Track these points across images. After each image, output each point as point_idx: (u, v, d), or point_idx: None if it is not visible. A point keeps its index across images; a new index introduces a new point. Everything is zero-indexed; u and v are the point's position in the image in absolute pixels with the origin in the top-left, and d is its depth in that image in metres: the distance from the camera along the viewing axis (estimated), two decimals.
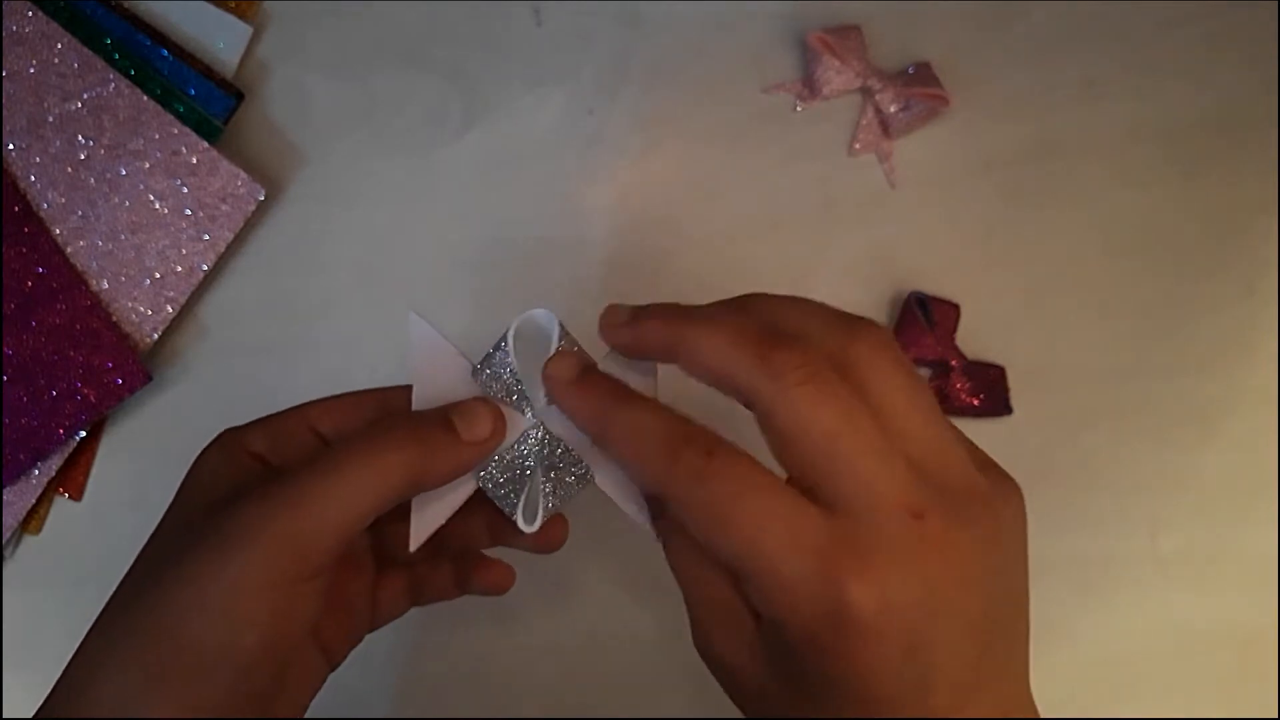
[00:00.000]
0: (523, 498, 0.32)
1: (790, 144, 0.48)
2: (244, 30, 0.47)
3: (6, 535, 0.46)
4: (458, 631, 0.47)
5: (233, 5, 0.47)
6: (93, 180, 0.46)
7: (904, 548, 0.26)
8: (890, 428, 0.27)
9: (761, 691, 0.29)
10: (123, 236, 0.46)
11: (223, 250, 0.46)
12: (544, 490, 0.32)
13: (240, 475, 0.31)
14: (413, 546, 0.31)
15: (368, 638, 0.47)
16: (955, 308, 0.47)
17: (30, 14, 0.45)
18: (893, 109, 0.47)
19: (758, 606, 0.28)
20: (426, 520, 0.32)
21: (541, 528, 0.32)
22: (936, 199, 0.48)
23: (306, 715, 0.46)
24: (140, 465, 0.47)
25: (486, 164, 0.48)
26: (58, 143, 0.46)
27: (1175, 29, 0.48)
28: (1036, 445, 0.47)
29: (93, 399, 0.45)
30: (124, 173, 0.46)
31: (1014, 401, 0.47)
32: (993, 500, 0.29)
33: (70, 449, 0.46)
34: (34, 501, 0.46)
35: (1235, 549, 0.47)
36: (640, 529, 0.32)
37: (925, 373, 0.47)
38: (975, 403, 0.47)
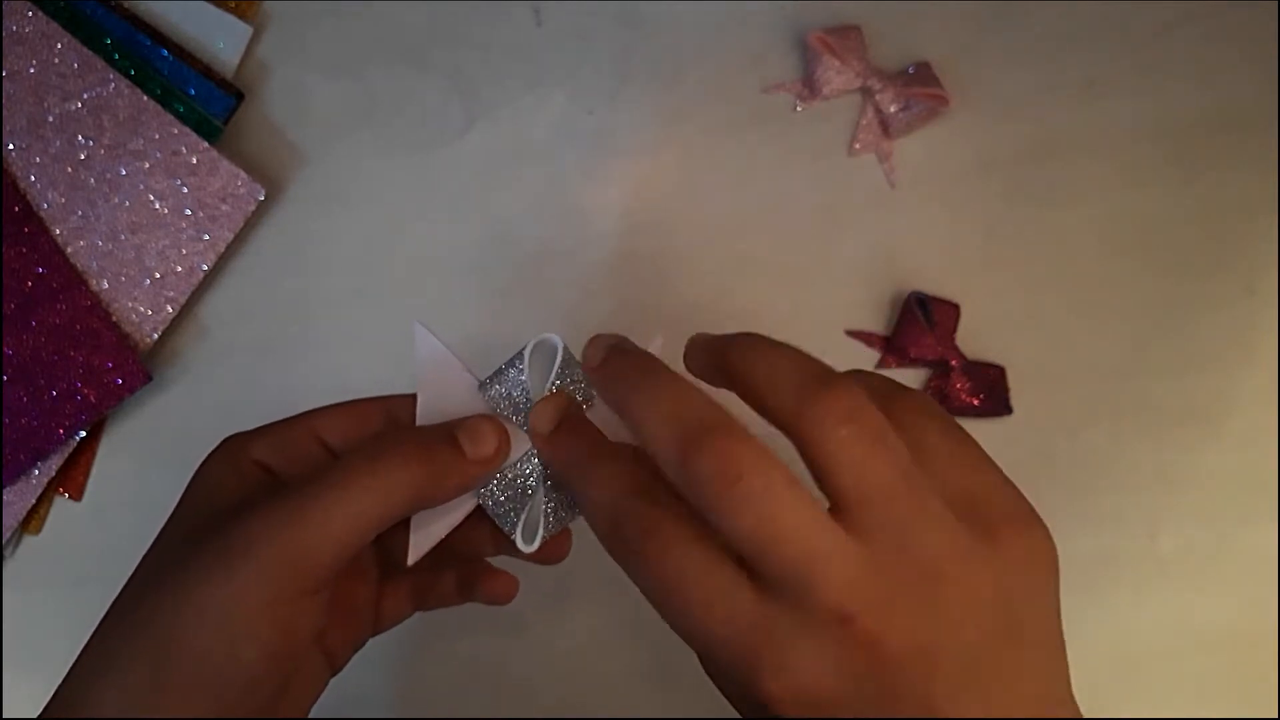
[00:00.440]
0: (523, 517, 0.32)
1: (790, 144, 0.48)
2: (244, 30, 0.47)
3: (6, 535, 0.46)
4: (457, 631, 0.47)
5: (233, 5, 0.47)
6: (93, 180, 0.46)
7: (830, 641, 0.24)
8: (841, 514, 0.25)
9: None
10: (123, 236, 0.46)
11: (223, 250, 0.46)
12: (545, 510, 0.32)
13: (245, 485, 0.31)
14: (411, 561, 0.32)
15: (369, 641, 0.47)
16: (955, 308, 0.47)
17: (30, 14, 0.45)
18: (893, 109, 0.47)
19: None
20: (426, 536, 0.32)
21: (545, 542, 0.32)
22: (936, 199, 0.48)
23: (308, 717, 0.46)
24: (140, 465, 0.47)
25: (486, 164, 0.48)
26: (58, 143, 0.46)
27: (1175, 29, 0.48)
28: (1036, 445, 0.47)
29: (93, 399, 0.45)
30: (124, 173, 0.46)
31: (1014, 401, 0.47)
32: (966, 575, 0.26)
33: (70, 449, 0.46)
34: (34, 501, 0.46)
35: (1235, 549, 0.47)
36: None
37: (925, 373, 0.47)
38: (975, 403, 0.46)
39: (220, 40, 0.47)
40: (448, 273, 0.48)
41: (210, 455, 0.32)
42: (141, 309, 0.46)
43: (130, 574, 0.31)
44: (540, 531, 0.32)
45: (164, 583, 0.28)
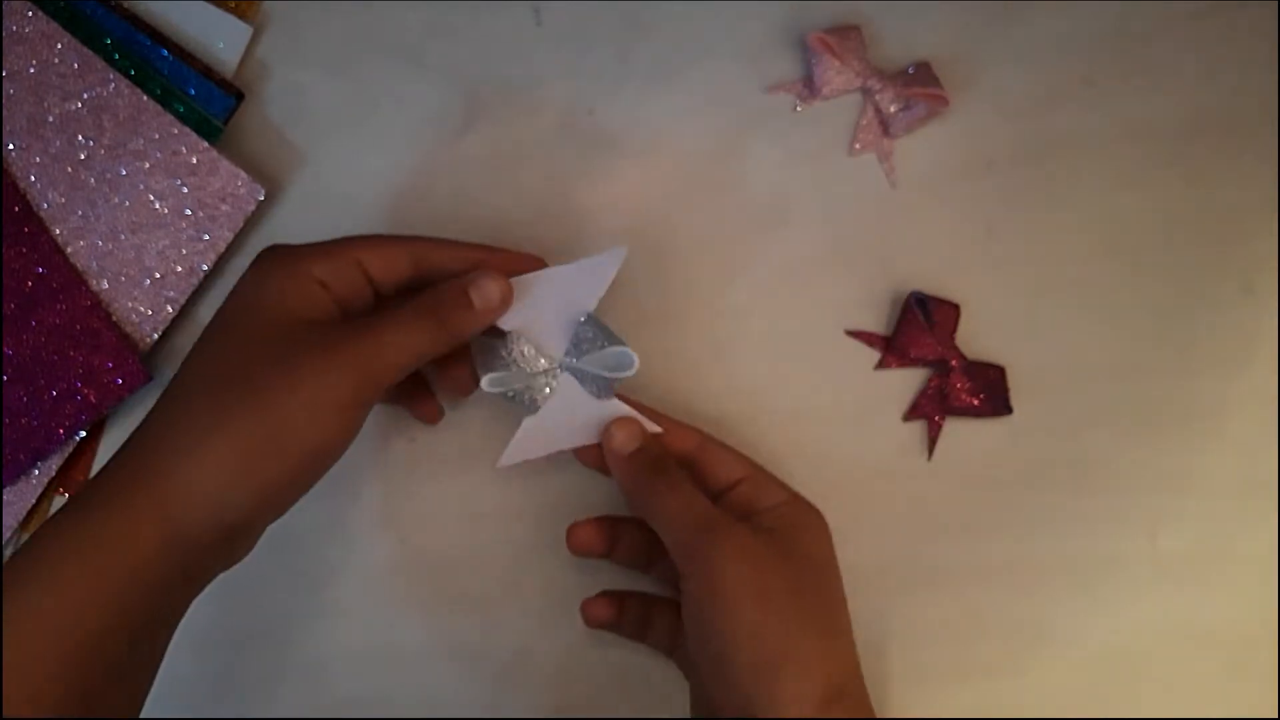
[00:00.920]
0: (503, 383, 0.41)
1: (790, 144, 0.48)
2: (244, 30, 0.47)
3: (6, 535, 0.46)
4: (457, 631, 0.47)
5: (233, 5, 0.47)
6: (93, 180, 0.46)
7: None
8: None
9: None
10: (123, 236, 0.46)
11: (223, 250, 0.46)
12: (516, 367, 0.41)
13: (314, 301, 0.38)
14: (501, 464, 0.42)
15: (367, 641, 0.47)
16: (955, 308, 0.46)
17: (30, 14, 0.45)
18: (893, 109, 0.47)
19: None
20: (523, 450, 0.42)
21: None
22: (936, 199, 0.48)
23: (306, 716, 0.46)
24: None
25: (486, 164, 0.48)
26: (58, 143, 0.46)
27: (1175, 29, 0.48)
28: (1036, 445, 0.47)
29: (93, 399, 0.45)
30: (124, 173, 0.46)
31: (1014, 401, 0.47)
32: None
33: (70, 449, 0.46)
34: (34, 501, 0.46)
35: (1235, 549, 0.47)
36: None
37: (925, 372, 0.47)
38: (975, 403, 0.46)
39: (220, 40, 0.47)
40: None
41: (267, 266, 0.39)
42: (141, 309, 0.46)
43: (188, 365, 0.37)
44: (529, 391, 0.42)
45: (265, 380, 0.36)
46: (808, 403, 0.47)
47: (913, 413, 0.47)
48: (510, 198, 0.48)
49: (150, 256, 0.46)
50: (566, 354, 0.41)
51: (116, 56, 0.46)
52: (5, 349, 0.45)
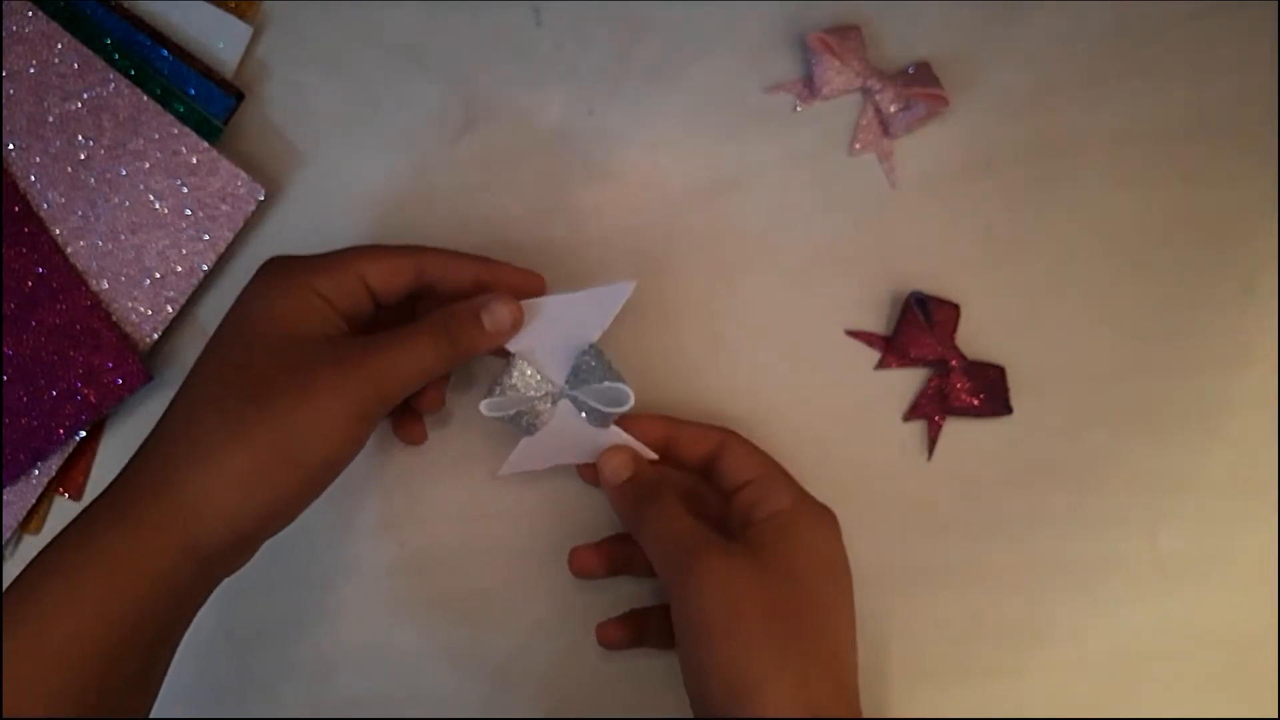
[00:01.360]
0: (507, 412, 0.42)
1: (790, 144, 0.48)
2: (244, 30, 0.47)
3: (6, 535, 0.46)
4: (457, 631, 0.47)
5: (233, 5, 0.47)
6: (93, 180, 0.46)
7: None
8: None
9: None
10: (123, 236, 0.46)
11: (223, 250, 0.46)
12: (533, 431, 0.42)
13: (321, 316, 0.39)
14: (503, 473, 0.43)
15: (367, 642, 0.47)
16: (955, 308, 0.46)
17: (30, 14, 0.45)
18: (893, 109, 0.47)
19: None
20: (522, 463, 0.43)
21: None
22: (936, 199, 0.48)
23: (307, 717, 0.46)
24: None
25: (486, 164, 0.48)
26: (58, 143, 0.46)
27: (1175, 29, 0.48)
28: (1036, 445, 0.47)
29: (93, 399, 0.45)
30: (124, 173, 0.46)
31: (1014, 401, 0.47)
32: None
33: (70, 449, 0.46)
34: (34, 501, 0.46)
35: (1235, 549, 0.47)
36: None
37: (925, 372, 0.47)
38: (975, 403, 0.46)
39: (220, 40, 0.47)
40: None
41: (270, 279, 0.39)
42: (141, 309, 0.46)
43: (197, 375, 0.38)
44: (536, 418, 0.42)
45: (274, 398, 0.36)
46: (808, 403, 0.47)
47: (913, 413, 0.47)
48: (510, 198, 0.48)
49: (150, 256, 0.46)
50: (567, 381, 0.42)
51: (116, 56, 0.46)
52: (5, 349, 0.45)
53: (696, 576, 0.38)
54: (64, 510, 0.47)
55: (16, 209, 0.45)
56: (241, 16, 0.47)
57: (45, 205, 0.46)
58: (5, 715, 0.33)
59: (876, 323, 0.48)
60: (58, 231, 0.46)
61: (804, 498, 0.42)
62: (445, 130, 0.48)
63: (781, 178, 0.48)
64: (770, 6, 0.48)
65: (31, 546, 0.47)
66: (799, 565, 0.39)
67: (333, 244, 0.46)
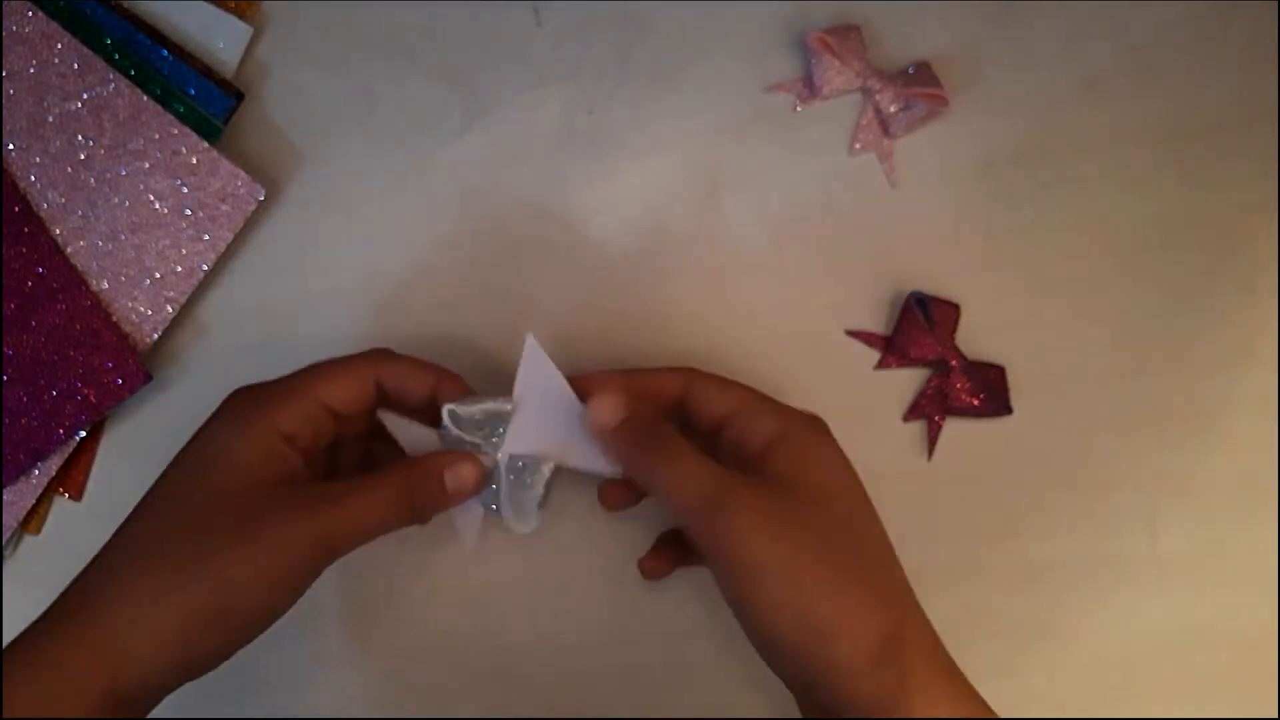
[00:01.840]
0: (504, 501, 0.42)
1: (790, 144, 0.48)
2: (244, 30, 0.47)
3: (6, 535, 0.46)
4: (457, 631, 0.47)
5: (233, 5, 0.47)
6: (93, 180, 0.46)
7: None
8: None
9: None
10: (123, 236, 0.46)
11: (223, 250, 0.46)
12: (528, 489, 0.42)
13: (279, 460, 0.38)
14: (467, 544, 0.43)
15: (367, 641, 0.47)
16: (955, 308, 0.46)
17: (30, 14, 0.45)
18: (893, 109, 0.47)
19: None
20: (467, 525, 0.43)
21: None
22: (937, 199, 0.48)
23: (306, 716, 0.46)
24: (140, 465, 0.45)
25: (486, 164, 0.48)
26: (58, 143, 0.46)
27: (1175, 29, 0.48)
28: (1036, 445, 0.47)
29: (93, 399, 0.45)
30: (124, 173, 0.46)
31: (1014, 402, 0.47)
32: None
33: (70, 449, 0.46)
34: (34, 501, 0.46)
35: (1235, 549, 0.47)
36: (611, 474, 0.42)
37: (925, 373, 0.47)
38: (975, 403, 0.46)
39: (220, 40, 0.47)
40: (447, 272, 0.48)
41: (232, 420, 0.39)
42: (141, 309, 0.46)
43: (142, 513, 0.37)
44: (535, 511, 0.42)
45: (218, 553, 0.36)
46: (807, 402, 0.46)
47: (913, 413, 0.47)
48: (510, 198, 0.48)
49: (150, 256, 0.46)
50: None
51: (116, 56, 0.46)
52: (5, 349, 0.45)
53: (734, 520, 0.36)
54: (64, 510, 0.47)
55: (16, 209, 0.45)
56: (241, 16, 0.47)
57: (45, 205, 0.46)
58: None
59: (876, 323, 0.48)
60: (58, 231, 0.46)
61: (790, 417, 0.40)
62: (445, 130, 0.48)
63: (781, 178, 0.48)
64: (770, 7, 0.48)
65: (31, 547, 0.47)
66: (824, 488, 0.38)
67: (333, 244, 0.48)
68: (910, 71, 0.47)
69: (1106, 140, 0.48)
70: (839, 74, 0.47)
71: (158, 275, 0.46)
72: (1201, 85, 0.48)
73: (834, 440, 0.40)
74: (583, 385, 0.41)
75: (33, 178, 0.46)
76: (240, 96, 0.47)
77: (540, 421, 0.41)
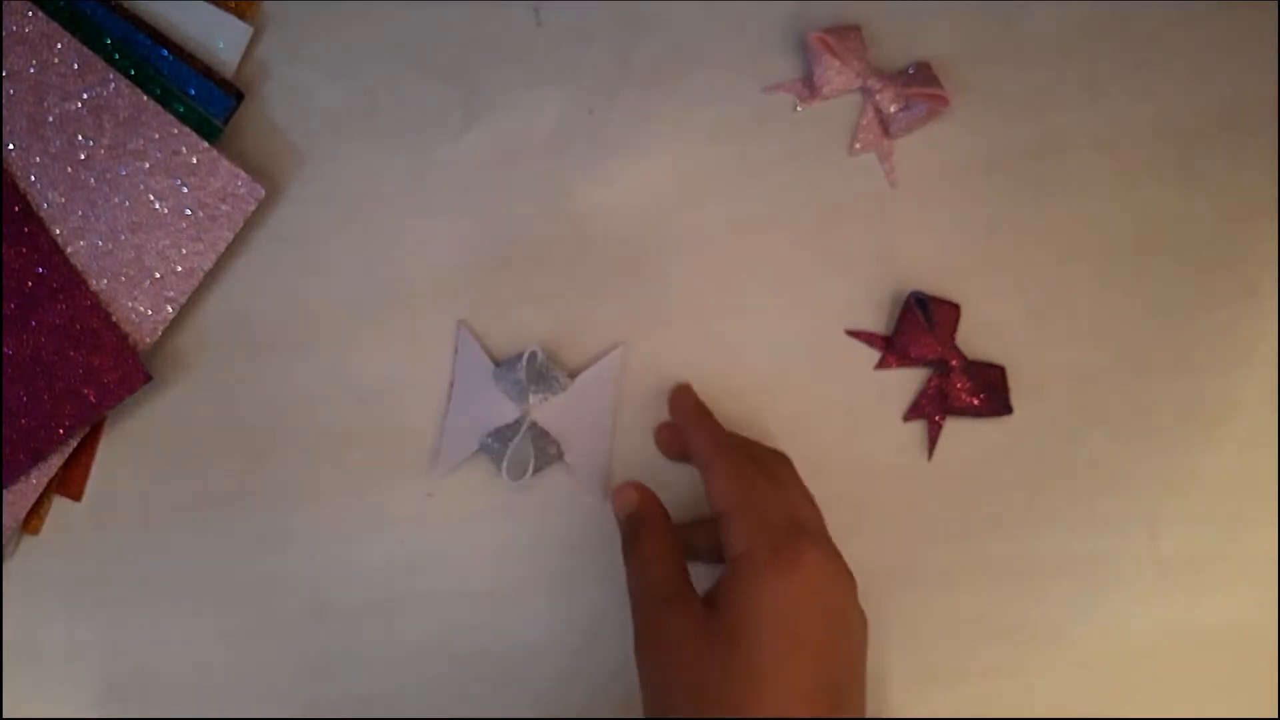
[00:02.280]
0: (505, 459, 0.46)
1: (790, 144, 0.48)
2: (244, 30, 0.47)
3: (6, 535, 0.46)
4: (457, 631, 0.47)
5: (233, 5, 0.47)
6: (93, 180, 0.46)
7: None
8: None
9: None
10: (123, 236, 0.46)
11: (223, 250, 0.46)
12: (531, 455, 0.46)
13: None
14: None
15: (367, 641, 0.47)
16: (955, 307, 0.46)
17: (30, 14, 0.45)
18: (893, 109, 0.47)
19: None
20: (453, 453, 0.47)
21: None
22: (937, 199, 0.48)
23: (306, 716, 0.46)
24: (140, 465, 0.47)
25: (486, 164, 0.48)
26: (58, 143, 0.46)
27: (1177, 28, 0.48)
28: (1036, 445, 0.47)
29: (93, 399, 0.45)
30: (124, 173, 0.46)
31: (1014, 401, 0.47)
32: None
33: (70, 449, 0.46)
34: (34, 501, 0.46)
35: (1236, 550, 0.47)
36: (599, 499, 0.47)
37: (925, 373, 0.47)
38: (975, 403, 0.46)
39: (220, 40, 0.47)
40: (447, 272, 0.48)
41: None
42: (141, 309, 0.46)
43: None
44: (528, 472, 0.45)
45: None
46: (807, 403, 0.47)
47: (913, 413, 0.47)
48: (510, 198, 0.48)
49: (150, 256, 0.46)
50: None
51: (116, 56, 0.46)
52: (5, 349, 0.45)
53: (645, 635, 0.38)
54: (64, 510, 0.47)
55: (16, 209, 0.45)
56: (241, 16, 0.47)
57: (45, 205, 0.46)
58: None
59: (876, 323, 0.47)
60: (58, 231, 0.46)
61: (758, 542, 0.38)
62: (445, 130, 0.48)
63: (781, 178, 0.48)
64: (770, 6, 0.48)
65: (31, 546, 0.47)
66: (742, 625, 0.36)
67: (333, 243, 0.48)
68: (910, 71, 0.47)
69: (1107, 140, 0.48)
70: (839, 74, 0.47)
71: (158, 275, 0.46)
72: (1202, 85, 0.48)
73: (802, 576, 0.37)
74: (672, 406, 0.46)
75: (33, 178, 0.46)
76: (240, 96, 0.47)
77: (578, 417, 0.46)
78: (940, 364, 0.46)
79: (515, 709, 0.46)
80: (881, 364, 0.47)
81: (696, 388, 0.47)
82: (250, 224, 0.46)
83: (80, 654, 0.46)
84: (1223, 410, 0.47)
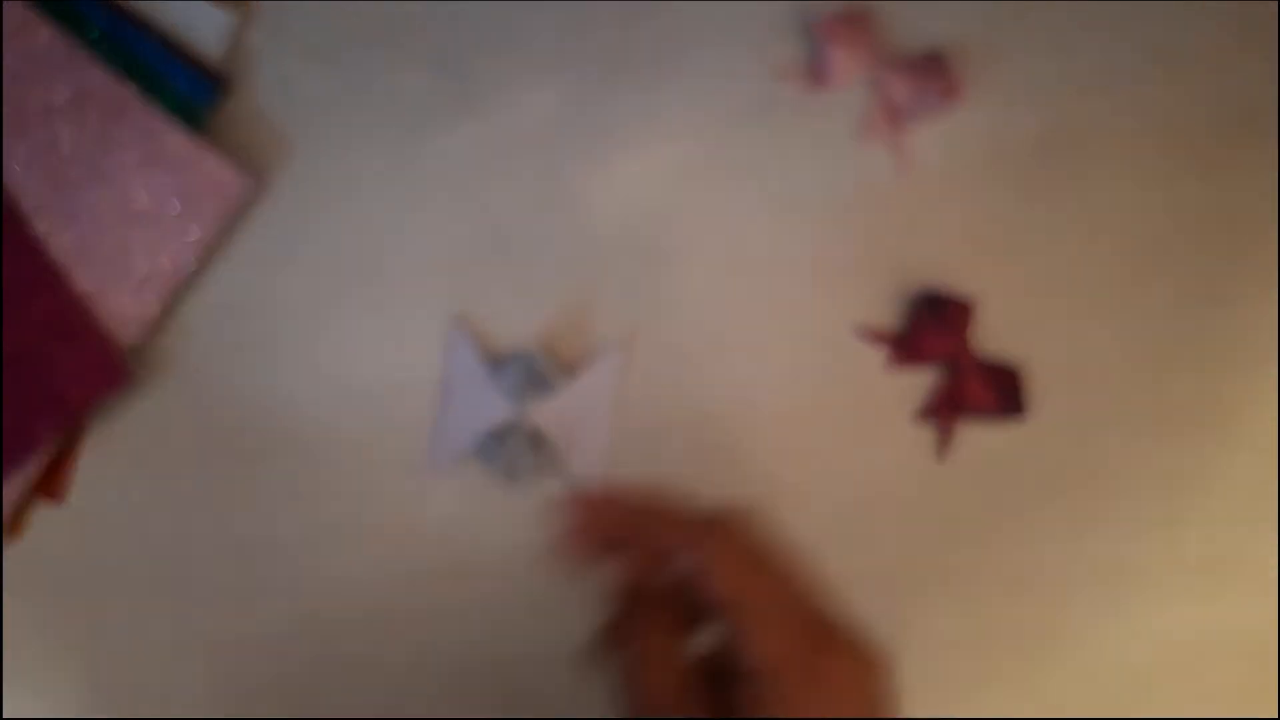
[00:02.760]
0: (500, 462, 0.46)
1: (798, 134, 0.47)
2: (231, 20, 0.47)
3: None
4: (457, 632, 0.47)
5: None
6: (75, 173, 0.45)
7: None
8: None
9: None
10: (106, 230, 0.45)
11: (209, 244, 0.46)
12: (528, 458, 0.46)
13: None
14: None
15: (367, 643, 0.47)
16: (968, 306, 0.46)
17: (12, 3, 0.45)
18: (903, 99, 0.46)
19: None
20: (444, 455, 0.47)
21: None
22: (948, 192, 0.47)
23: (306, 716, 0.46)
24: (124, 465, 0.47)
25: (483, 156, 0.48)
26: (39, 134, 0.45)
27: (1195, 19, 0.48)
28: (1050, 446, 0.47)
29: (74, 397, 0.45)
30: (107, 165, 0.45)
31: (1028, 402, 0.47)
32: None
33: (51, 450, 0.46)
34: (15, 504, 0.45)
35: (1255, 553, 0.47)
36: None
37: (937, 372, 0.47)
38: (988, 403, 0.46)
39: (206, 30, 0.47)
40: (440, 268, 0.47)
41: None
42: (125, 305, 0.46)
43: None
44: (523, 476, 0.46)
45: None
46: (815, 403, 0.47)
47: (924, 414, 0.47)
48: (507, 190, 0.47)
49: (135, 251, 0.46)
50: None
51: (100, 47, 0.45)
52: None
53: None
54: (46, 514, 0.47)
55: None
56: (228, 6, 0.47)
57: (26, 198, 0.45)
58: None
59: (886, 320, 0.47)
60: (39, 226, 0.45)
61: (797, 649, 0.31)
62: (439, 120, 0.47)
63: (788, 169, 0.47)
64: None
65: (13, 551, 0.47)
66: None
67: (321, 237, 0.48)
68: (921, 61, 0.47)
69: (1122, 134, 0.48)
70: (848, 63, 0.46)
71: (143, 270, 0.46)
72: (1221, 80, 0.48)
73: (839, 690, 0.32)
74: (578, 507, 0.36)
75: (14, 169, 0.45)
76: (227, 87, 0.46)
77: (575, 418, 0.46)
78: (952, 363, 0.46)
79: (515, 710, 0.47)
80: (891, 363, 0.47)
81: (699, 388, 0.47)
82: (237, 217, 0.46)
83: (63, 659, 0.47)
84: (1242, 411, 0.48)
